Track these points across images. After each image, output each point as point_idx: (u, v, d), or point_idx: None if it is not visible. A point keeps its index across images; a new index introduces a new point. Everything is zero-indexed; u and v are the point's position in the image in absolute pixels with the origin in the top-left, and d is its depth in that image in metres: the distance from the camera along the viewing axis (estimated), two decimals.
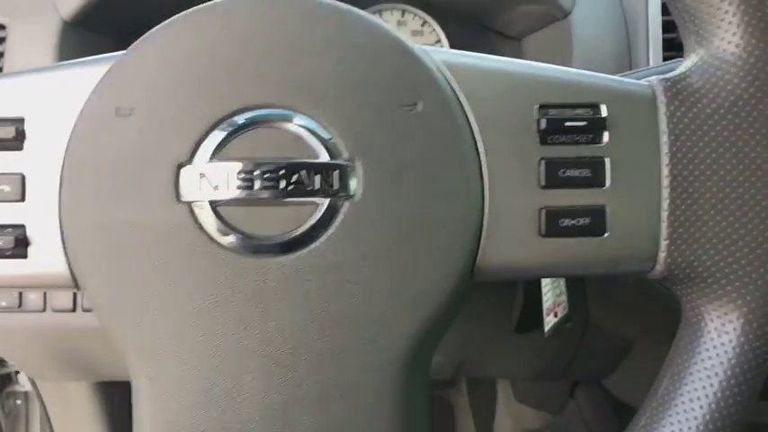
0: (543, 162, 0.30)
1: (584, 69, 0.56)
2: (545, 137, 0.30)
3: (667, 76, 0.31)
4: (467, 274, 0.30)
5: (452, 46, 0.74)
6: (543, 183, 0.30)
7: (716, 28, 0.30)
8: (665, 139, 0.30)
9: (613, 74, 0.34)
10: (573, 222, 0.30)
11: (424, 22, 0.74)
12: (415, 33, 0.75)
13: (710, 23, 0.31)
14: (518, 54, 0.71)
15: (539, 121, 0.30)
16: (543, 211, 0.30)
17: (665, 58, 0.57)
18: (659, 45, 0.57)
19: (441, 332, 0.32)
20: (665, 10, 0.58)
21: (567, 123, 0.30)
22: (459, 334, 0.77)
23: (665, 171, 0.30)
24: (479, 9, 0.69)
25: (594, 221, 0.30)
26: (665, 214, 0.30)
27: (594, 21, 0.61)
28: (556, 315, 0.64)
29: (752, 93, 0.30)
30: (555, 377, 0.80)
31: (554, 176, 0.30)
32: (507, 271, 0.30)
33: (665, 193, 0.30)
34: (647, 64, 0.57)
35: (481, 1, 0.67)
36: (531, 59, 0.68)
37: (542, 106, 0.30)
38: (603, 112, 0.31)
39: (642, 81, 0.32)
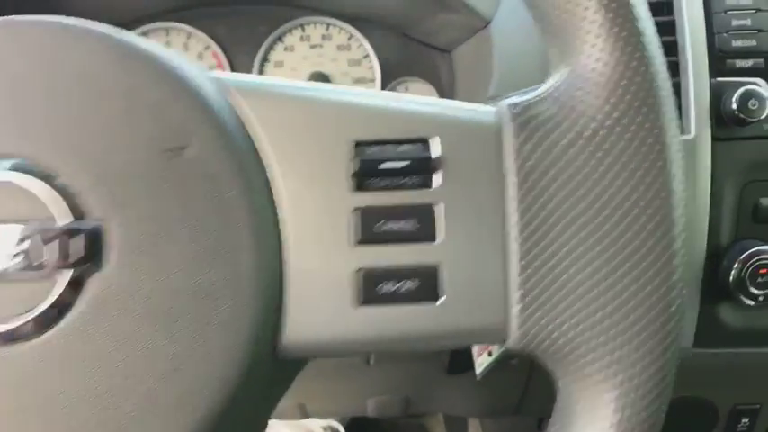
0: (358, 212, 0.24)
1: (507, 80, 0.50)
2: (361, 181, 0.24)
3: (518, 100, 0.25)
4: (265, 355, 0.24)
5: (381, 60, 0.68)
6: (358, 238, 0.24)
7: (578, 41, 0.25)
8: (512, 179, 0.24)
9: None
10: (397, 287, 0.24)
11: (351, 36, 0.69)
12: (341, 48, 0.70)
13: (574, 36, 0.25)
14: (450, 66, 0.65)
15: (352, 163, 0.24)
16: (360, 274, 0.24)
17: None
18: None
19: (251, 422, 0.26)
20: None
21: (385, 165, 0.24)
22: (400, 372, 0.71)
23: (513, 219, 0.24)
24: (402, 19, 0.64)
25: (425, 285, 0.24)
26: (514, 273, 0.24)
27: (518, 29, 0.55)
28: (490, 354, 0.58)
29: (616, 118, 0.24)
30: (508, 413, 0.74)
31: (370, 230, 0.24)
32: (318, 348, 0.25)
33: (515, 246, 0.24)
34: None
35: (401, 11, 0.62)
36: (462, 71, 0.63)
37: (359, 144, 0.25)
38: (435, 148, 0.25)
39: (489, 108, 0.26)
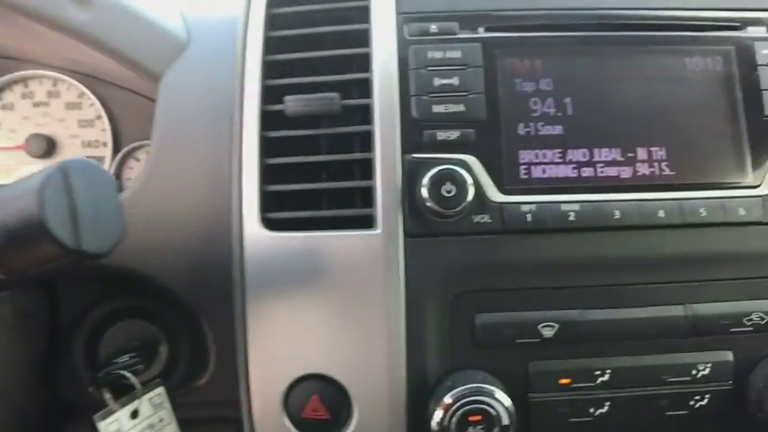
0: None
1: (167, 144, 0.39)
2: None
3: None
4: None
5: (114, 120, 0.57)
6: None
7: None
8: None
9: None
10: None
11: (82, 94, 0.57)
12: (70, 106, 0.58)
13: None
14: None
15: None
16: None
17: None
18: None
19: None
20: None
21: None
22: None
23: None
24: (125, 77, 0.52)
25: None
26: None
27: (187, 91, 0.43)
28: None
29: None
30: None
31: None
32: None
33: None
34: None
35: (102, 64, 0.50)
36: None
37: None
38: None
39: None
